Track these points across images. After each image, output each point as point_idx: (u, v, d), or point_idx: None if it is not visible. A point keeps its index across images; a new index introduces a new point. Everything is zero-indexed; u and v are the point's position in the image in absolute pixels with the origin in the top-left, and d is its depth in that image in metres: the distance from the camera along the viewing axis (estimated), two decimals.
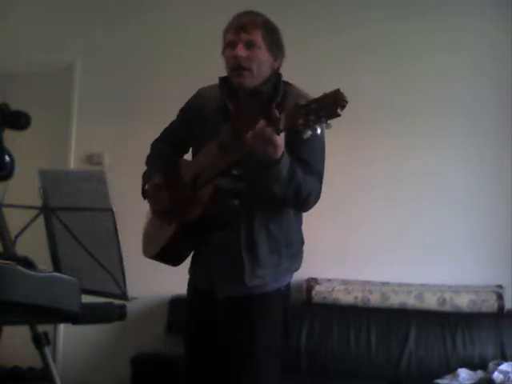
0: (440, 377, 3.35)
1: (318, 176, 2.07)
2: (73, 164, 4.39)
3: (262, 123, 1.82)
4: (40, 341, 2.01)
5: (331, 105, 1.64)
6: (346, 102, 1.64)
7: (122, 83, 4.35)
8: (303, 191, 1.99)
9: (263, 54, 2.09)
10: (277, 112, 1.79)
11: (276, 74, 2.18)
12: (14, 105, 1.62)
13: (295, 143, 1.89)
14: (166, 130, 2.41)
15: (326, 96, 1.67)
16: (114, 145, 4.32)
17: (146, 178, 2.26)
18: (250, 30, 2.08)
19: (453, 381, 3.31)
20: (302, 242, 2.25)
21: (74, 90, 4.43)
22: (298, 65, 4.07)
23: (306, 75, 4.04)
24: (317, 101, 1.68)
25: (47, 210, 2.00)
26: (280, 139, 1.82)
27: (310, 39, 4.09)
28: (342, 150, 4.00)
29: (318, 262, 3.90)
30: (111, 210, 1.91)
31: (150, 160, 2.35)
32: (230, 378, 2.12)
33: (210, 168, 2.04)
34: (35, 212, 2.02)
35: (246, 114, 2.11)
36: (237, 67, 2.08)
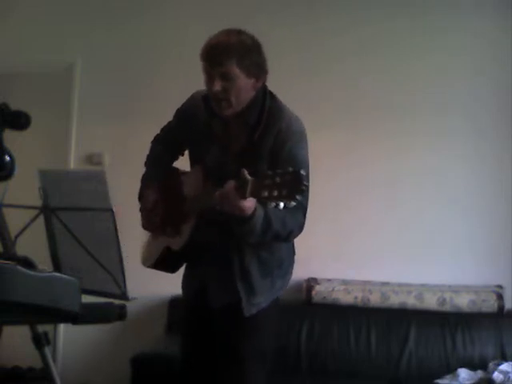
0: (440, 377, 3.35)
1: (302, 209, 2.05)
2: (73, 164, 4.39)
3: (230, 186, 1.80)
4: (40, 341, 2.00)
5: (293, 187, 1.62)
6: (306, 188, 1.63)
7: (122, 83, 4.35)
8: (282, 234, 2.02)
9: (241, 82, 2.02)
10: (246, 174, 1.76)
11: (261, 92, 2.11)
12: (14, 105, 1.62)
13: None
14: (164, 129, 2.42)
15: (290, 173, 1.64)
16: (114, 145, 4.32)
17: (144, 184, 2.32)
18: (224, 61, 1.99)
19: (453, 381, 3.31)
20: (293, 254, 2.26)
21: (74, 90, 4.43)
22: (298, 65, 4.09)
23: (306, 75, 4.06)
24: (281, 175, 1.65)
25: (47, 210, 2.00)
26: (248, 202, 1.80)
27: (310, 39, 4.09)
28: (341, 150, 4.01)
29: (318, 262, 3.90)
30: (111, 210, 1.90)
31: (149, 164, 2.39)
32: (223, 377, 2.14)
33: (194, 199, 2.09)
34: (35, 212, 2.01)
35: (232, 137, 2.13)
36: (215, 99, 2.05)
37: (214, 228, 2.07)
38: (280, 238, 2.04)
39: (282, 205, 1.65)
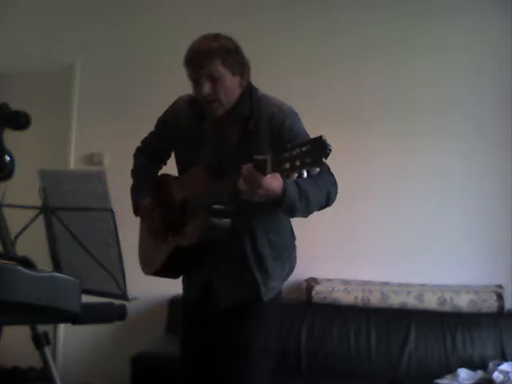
0: (440, 377, 3.35)
1: (326, 169, 2.05)
2: (73, 164, 4.39)
3: (247, 167, 1.80)
4: (40, 341, 2.00)
5: (316, 153, 1.62)
6: (330, 151, 1.62)
7: (122, 83, 4.35)
8: (322, 198, 2.02)
9: (228, 81, 2.06)
10: (261, 156, 1.77)
11: (248, 89, 2.14)
12: (14, 105, 1.62)
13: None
14: (146, 141, 2.45)
15: (310, 142, 1.65)
16: (114, 145, 4.32)
17: (136, 196, 2.33)
18: (209, 63, 2.03)
19: (453, 381, 3.31)
20: (294, 239, 2.29)
21: (74, 90, 4.44)
22: (301, 63, 4.09)
23: (310, 74, 4.06)
24: (301, 145, 1.65)
25: (47, 210, 2.00)
26: (272, 179, 1.80)
27: (312, 38, 4.10)
28: (342, 149, 3.98)
29: (318, 262, 3.90)
30: (111, 210, 1.91)
31: (136, 176, 2.41)
32: (228, 376, 2.15)
33: (201, 197, 2.08)
34: (35, 212, 2.01)
35: (226, 132, 2.15)
36: (206, 102, 2.08)
37: (220, 222, 2.07)
38: (322, 202, 2.04)
39: (305, 173, 1.66)
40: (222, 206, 2.04)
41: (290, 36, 4.11)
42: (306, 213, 2.01)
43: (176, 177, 2.32)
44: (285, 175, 1.72)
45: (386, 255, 3.89)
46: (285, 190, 1.85)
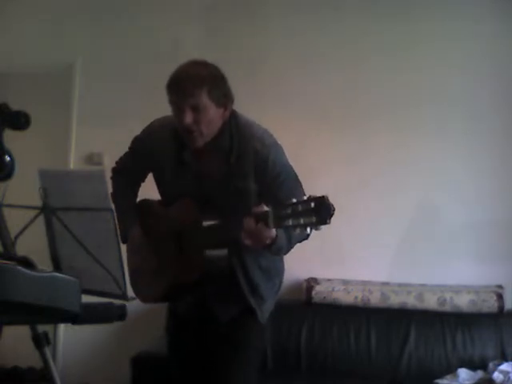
0: (440, 377, 3.35)
1: None
2: (73, 164, 4.39)
3: (250, 221, 1.80)
4: (40, 341, 2.00)
5: (321, 212, 1.63)
6: (334, 211, 1.64)
7: (122, 83, 4.35)
8: (305, 235, 2.03)
9: (212, 113, 2.03)
10: (263, 206, 1.78)
11: (229, 122, 2.11)
12: (14, 105, 1.62)
13: (271, 194, 1.95)
14: (121, 161, 2.42)
15: (312, 200, 1.65)
16: (114, 145, 4.30)
17: (123, 224, 2.24)
18: (196, 93, 1.99)
19: (453, 381, 3.31)
20: None
21: (74, 90, 4.43)
22: (301, 63, 4.09)
23: (310, 71, 4.06)
24: (302, 203, 1.66)
25: (47, 210, 2.00)
26: (269, 232, 1.82)
27: (314, 39, 4.09)
28: (341, 149, 4.01)
29: (318, 262, 3.90)
30: (111, 210, 1.91)
31: (118, 201, 2.32)
32: (224, 368, 2.18)
33: (197, 234, 2.05)
34: (35, 212, 2.01)
35: (208, 165, 2.13)
36: (187, 131, 2.05)
37: (218, 258, 2.10)
38: (304, 237, 2.07)
39: (309, 230, 1.68)
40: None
41: (291, 36, 4.11)
42: (288, 251, 2.05)
43: (159, 202, 2.28)
44: (288, 230, 1.75)
45: (386, 255, 3.89)
46: (276, 236, 1.88)
